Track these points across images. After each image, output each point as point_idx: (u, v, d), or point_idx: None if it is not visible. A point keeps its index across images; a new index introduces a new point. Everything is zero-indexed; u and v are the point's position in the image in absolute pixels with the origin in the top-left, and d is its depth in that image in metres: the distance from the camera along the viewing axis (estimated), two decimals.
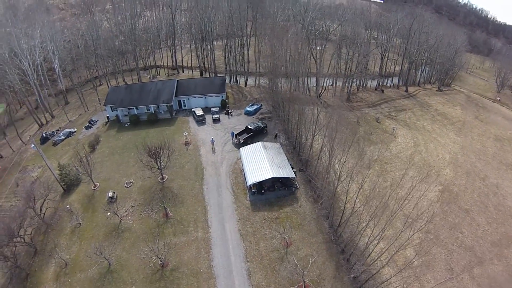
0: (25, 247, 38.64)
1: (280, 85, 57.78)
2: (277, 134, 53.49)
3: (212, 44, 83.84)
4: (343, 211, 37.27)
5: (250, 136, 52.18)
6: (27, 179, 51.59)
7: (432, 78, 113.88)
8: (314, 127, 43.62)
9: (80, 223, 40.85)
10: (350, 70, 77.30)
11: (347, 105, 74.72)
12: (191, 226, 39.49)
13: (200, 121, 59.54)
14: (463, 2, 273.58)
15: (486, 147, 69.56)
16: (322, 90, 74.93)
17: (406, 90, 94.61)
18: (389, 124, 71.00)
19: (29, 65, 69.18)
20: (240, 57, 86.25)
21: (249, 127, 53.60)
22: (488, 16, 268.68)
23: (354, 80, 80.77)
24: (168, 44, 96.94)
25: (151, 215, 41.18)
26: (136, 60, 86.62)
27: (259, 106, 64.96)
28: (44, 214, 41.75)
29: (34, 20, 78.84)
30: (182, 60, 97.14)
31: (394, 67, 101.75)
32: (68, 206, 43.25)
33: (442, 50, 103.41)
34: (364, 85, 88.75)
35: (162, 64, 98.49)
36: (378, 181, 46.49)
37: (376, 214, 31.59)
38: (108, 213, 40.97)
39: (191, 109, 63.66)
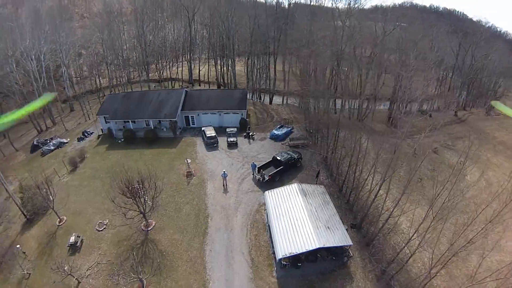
0: None
1: (321, 104, 40.63)
2: (319, 171, 35.25)
3: (234, 56, 69.02)
4: None
5: (279, 171, 34.36)
6: (3, 194, 38.36)
7: (476, 101, 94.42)
8: (388, 168, 25.74)
9: (29, 274, 26.29)
10: (396, 91, 59.85)
11: (395, 132, 56.75)
12: None
13: (211, 144, 42.41)
14: (487, 25, 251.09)
15: None
16: (365, 113, 57.71)
17: (456, 114, 76.08)
18: (449, 156, 52.72)
19: (35, 68, 59.49)
20: (264, 74, 70.56)
21: (278, 158, 35.58)
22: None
23: (399, 102, 62.98)
24: (186, 57, 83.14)
25: (121, 286, 24.61)
26: (147, 71, 74.58)
27: (289, 129, 47.02)
28: None
29: (53, 25, 69.68)
30: (199, 73, 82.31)
31: (439, 88, 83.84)
32: (18, 246, 28.76)
33: (488, 70, 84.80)
34: (408, 108, 70.87)
35: (177, 77, 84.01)
36: (457, 241, 29.52)
37: None
38: (62, 270, 24.27)
39: (200, 128, 46.96)
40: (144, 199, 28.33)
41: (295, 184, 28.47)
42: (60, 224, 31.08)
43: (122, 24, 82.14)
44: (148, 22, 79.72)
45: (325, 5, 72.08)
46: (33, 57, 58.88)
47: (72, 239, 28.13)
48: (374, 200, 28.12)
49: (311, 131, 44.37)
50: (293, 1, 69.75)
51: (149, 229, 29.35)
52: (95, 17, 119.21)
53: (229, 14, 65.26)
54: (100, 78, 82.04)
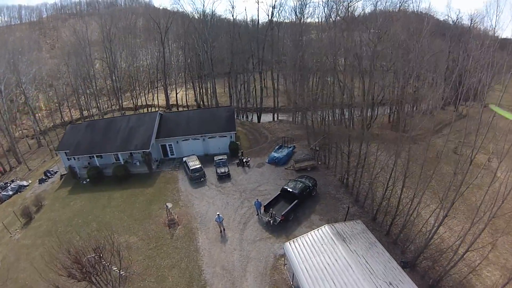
0: None
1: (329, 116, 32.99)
2: (349, 206, 25.69)
3: (213, 73, 61.65)
4: None
5: (293, 207, 25.02)
6: None
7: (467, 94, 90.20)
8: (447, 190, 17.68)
9: None
10: (402, 93, 53.37)
11: (405, 136, 49.52)
12: None
13: (197, 178, 32.83)
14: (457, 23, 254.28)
15: None
16: (371, 121, 50.70)
17: (456, 110, 70.13)
18: (468, 153, 45.31)
19: None
20: (248, 91, 63.76)
21: (289, 189, 26.20)
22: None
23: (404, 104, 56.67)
24: (162, 82, 76.20)
25: None
26: (120, 98, 66.99)
27: (291, 149, 37.92)
28: None
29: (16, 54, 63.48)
30: (176, 97, 74.24)
31: (434, 86, 78.65)
32: None
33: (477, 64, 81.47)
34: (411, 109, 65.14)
35: (153, 103, 75.69)
36: None
37: None
38: None
39: (182, 158, 37.65)
40: (108, 271, 18.79)
41: (327, 227, 19.24)
42: None
43: (90, 50, 74.68)
44: (121, 48, 72.90)
45: (308, 20, 65.54)
46: None
47: None
48: (436, 231, 19.54)
49: (317, 148, 35.85)
50: (274, 19, 63.23)
51: None
52: (65, 46, 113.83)
53: (204, 28, 57.98)
54: (72, 110, 75.31)
